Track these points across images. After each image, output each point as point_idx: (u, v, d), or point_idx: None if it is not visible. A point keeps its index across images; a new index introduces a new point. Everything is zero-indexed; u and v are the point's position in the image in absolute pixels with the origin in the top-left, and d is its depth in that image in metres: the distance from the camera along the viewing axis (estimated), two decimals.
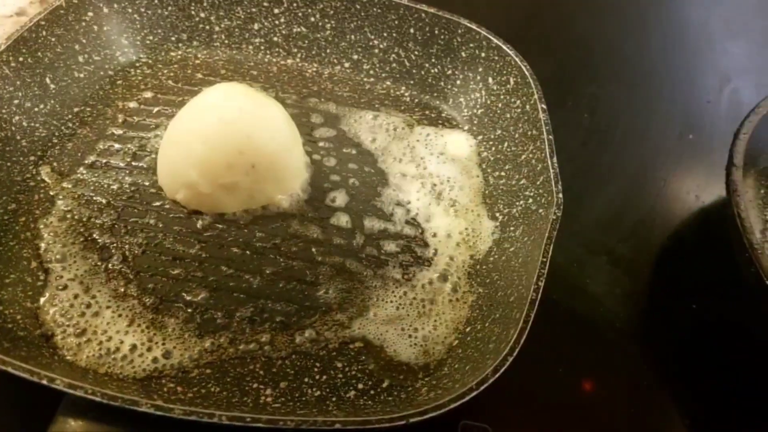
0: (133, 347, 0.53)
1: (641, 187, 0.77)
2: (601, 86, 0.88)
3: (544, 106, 0.67)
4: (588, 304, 0.64)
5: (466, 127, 0.76)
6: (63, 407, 0.44)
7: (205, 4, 0.77)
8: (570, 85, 0.83)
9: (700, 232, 0.73)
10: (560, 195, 0.59)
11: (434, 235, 0.65)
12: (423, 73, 0.79)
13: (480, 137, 0.74)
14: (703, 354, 0.63)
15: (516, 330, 0.49)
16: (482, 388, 0.46)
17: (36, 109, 0.66)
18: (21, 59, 0.65)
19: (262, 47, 0.80)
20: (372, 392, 0.53)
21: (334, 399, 0.52)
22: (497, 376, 0.46)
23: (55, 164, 0.64)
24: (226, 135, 0.58)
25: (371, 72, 0.80)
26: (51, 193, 0.62)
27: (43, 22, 0.67)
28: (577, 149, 0.80)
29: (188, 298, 0.56)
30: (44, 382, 0.42)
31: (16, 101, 0.64)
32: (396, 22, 0.77)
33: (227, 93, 0.61)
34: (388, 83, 0.80)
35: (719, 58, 0.96)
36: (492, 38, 0.74)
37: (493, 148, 0.72)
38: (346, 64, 0.80)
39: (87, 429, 0.44)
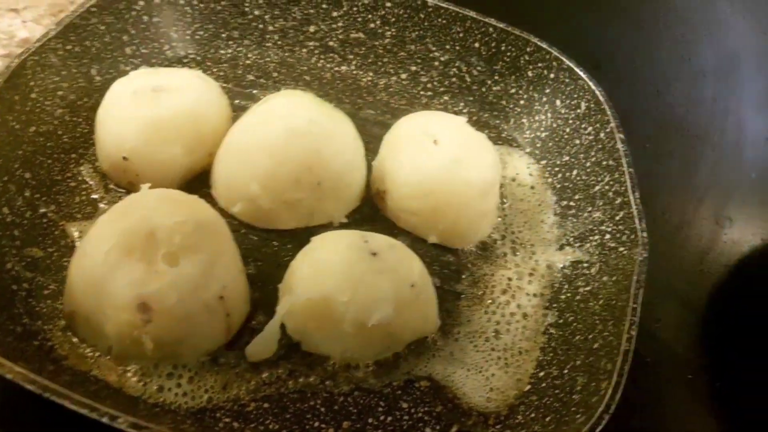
0: (182, 375, 0.48)
1: (708, 227, 0.73)
2: (659, 120, 0.84)
3: (623, 136, 0.63)
4: (659, 348, 0.61)
5: (527, 150, 0.72)
6: None
7: (260, 2, 0.73)
8: (628, 116, 0.79)
9: None
10: (645, 234, 0.56)
11: (497, 268, 0.61)
12: (484, 90, 0.75)
13: (544, 162, 0.70)
14: None
15: (610, 384, 0.45)
16: None
17: (80, 103, 0.61)
18: (69, 47, 0.60)
19: (317, 51, 0.75)
20: None
21: None
22: None
23: (97, 164, 0.60)
24: (294, 148, 0.54)
25: (429, 85, 0.76)
26: (93, 196, 0.57)
27: (94, 9, 0.62)
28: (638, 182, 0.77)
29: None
30: (105, 420, 0.38)
31: (60, 93, 0.59)
32: (461, 35, 0.73)
33: (294, 102, 0.57)
34: (446, 98, 0.75)
35: None
36: (563, 59, 0.70)
37: (560, 175, 0.68)
38: (403, 75, 0.76)
39: None
